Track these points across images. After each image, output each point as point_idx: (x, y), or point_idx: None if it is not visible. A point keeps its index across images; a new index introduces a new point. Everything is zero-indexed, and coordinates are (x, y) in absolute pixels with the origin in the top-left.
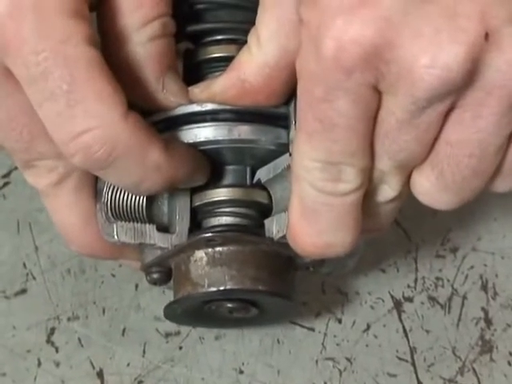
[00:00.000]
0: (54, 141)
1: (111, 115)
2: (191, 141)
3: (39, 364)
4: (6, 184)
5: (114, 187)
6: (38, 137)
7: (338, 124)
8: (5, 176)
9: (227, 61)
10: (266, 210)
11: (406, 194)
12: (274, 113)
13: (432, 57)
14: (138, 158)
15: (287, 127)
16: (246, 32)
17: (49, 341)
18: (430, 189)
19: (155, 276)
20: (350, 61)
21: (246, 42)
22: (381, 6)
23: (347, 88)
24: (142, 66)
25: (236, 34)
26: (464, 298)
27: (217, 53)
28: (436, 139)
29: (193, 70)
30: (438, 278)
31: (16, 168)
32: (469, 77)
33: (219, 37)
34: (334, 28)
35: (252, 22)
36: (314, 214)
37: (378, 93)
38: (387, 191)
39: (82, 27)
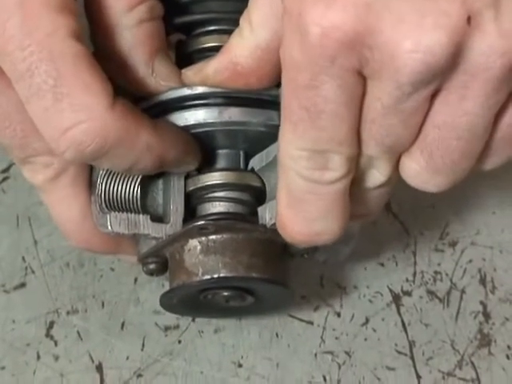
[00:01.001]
0: (44, 137)
1: (99, 107)
2: (182, 124)
3: (38, 357)
4: (5, 178)
5: (107, 179)
6: (32, 134)
7: (324, 110)
8: (4, 170)
9: (219, 50)
10: (260, 195)
11: (395, 179)
12: (265, 95)
13: (414, 41)
14: (130, 143)
15: (278, 109)
16: (238, 22)
17: (48, 334)
18: (419, 172)
19: (151, 267)
20: (332, 47)
21: None
22: None
23: (332, 73)
24: (130, 51)
25: (227, 24)
26: (462, 291)
27: (209, 43)
28: (423, 122)
29: (185, 61)
30: (436, 272)
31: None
32: (452, 60)
33: (211, 28)
34: (314, 14)
35: (243, 12)
36: (301, 203)
37: (363, 78)
38: (376, 176)
39: (67, 21)
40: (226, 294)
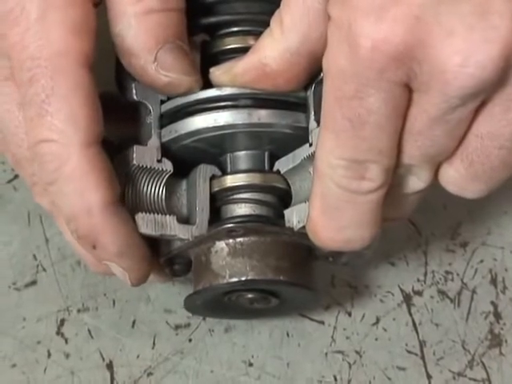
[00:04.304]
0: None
1: (73, 138)
2: (211, 125)
3: (49, 355)
4: (16, 176)
5: (133, 179)
6: None
7: (367, 121)
8: None
9: (243, 52)
10: (284, 196)
11: (432, 184)
12: (293, 97)
13: (465, 56)
14: (78, 190)
15: (305, 111)
16: (262, 23)
17: (59, 332)
18: (458, 179)
19: (176, 267)
20: (382, 60)
21: (261, 33)
22: (412, 4)
23: (379, 86)
24: (135, 37)
25: (252, 25)
26: (473, 291)
27: (233, 44)
28: (466, 132)
29: (210, 61)
30: (447, 272)
31: None
32: (502, 74)
33: (235, 28)
34: (366, 27)
35: (268, 14)
36: (335, 211)
37: (408, 90)
38: (416, 183)
39: (81, 44)
40: (250, 296)
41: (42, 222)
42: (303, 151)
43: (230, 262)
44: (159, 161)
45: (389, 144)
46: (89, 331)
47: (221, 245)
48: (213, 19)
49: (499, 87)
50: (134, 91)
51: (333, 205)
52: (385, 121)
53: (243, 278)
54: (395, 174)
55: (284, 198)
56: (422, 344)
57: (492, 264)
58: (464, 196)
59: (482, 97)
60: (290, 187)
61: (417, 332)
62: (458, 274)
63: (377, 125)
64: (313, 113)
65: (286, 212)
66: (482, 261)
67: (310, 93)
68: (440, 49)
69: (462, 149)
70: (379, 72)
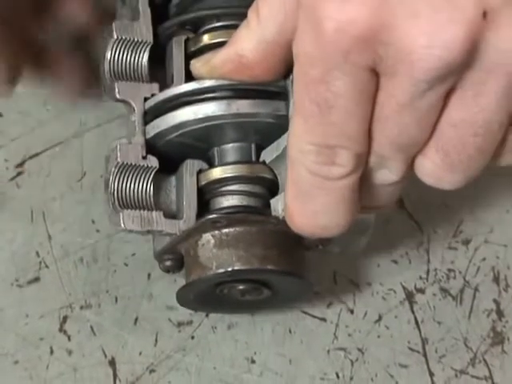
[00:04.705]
0: None
1: None
2: (191, 118)
3: (52, 352)
4: (19, 173)
5: (119, 177)
6: None
7: (334, 106)
8: (18, 165)
9: None
10: (273, 187)
11: (409, 176)
12: (272, 86)
13: (430, 37)
14: None
15: (285, 100)
16: (245, 16)
17: (61, 329)
18: (435, 170)
19: (167, 263)
20: (346, 42)
21: None
22: None
23: (345, 70)
24: None
25: (236, 19)
26: (476, 289)
27: (217, 38)
28: (438, 121)
29: (195, 57)
30: (449, 270)
31: (30, 157)
32: (468, 56)
33: (219, 23)
34: (329, 9)
35: (248, 7)
36: (307, 197)
37: (376, 75)
38: (388, 175)
39: None
40: (241, 287)
41: (44, 219)
42: (285, 140)
43: (216, 253)
44: (144, 157)
45: (358, 130)
46: (91, 328)
47: (207, 237)
48: (195, 15)
49: (467, 71)
50: (116, 90)
51: (305, 191)
52: (352, 106)
53: (229, 269)
54: (368, 163)
55: (272, 189)
56: (424, 341)
57: (494, 262)
58: (442, 187)
59: (450, 81)
60: (277, 177)
61: (419, 329)
62: (460, 272)
63: (344, 110)
64: (292, 101)
65: (272, 201)
66: (484, 259)
67: (289, 81)
68: (405, 31)
69: (435, 139)
70: (344, 55)
